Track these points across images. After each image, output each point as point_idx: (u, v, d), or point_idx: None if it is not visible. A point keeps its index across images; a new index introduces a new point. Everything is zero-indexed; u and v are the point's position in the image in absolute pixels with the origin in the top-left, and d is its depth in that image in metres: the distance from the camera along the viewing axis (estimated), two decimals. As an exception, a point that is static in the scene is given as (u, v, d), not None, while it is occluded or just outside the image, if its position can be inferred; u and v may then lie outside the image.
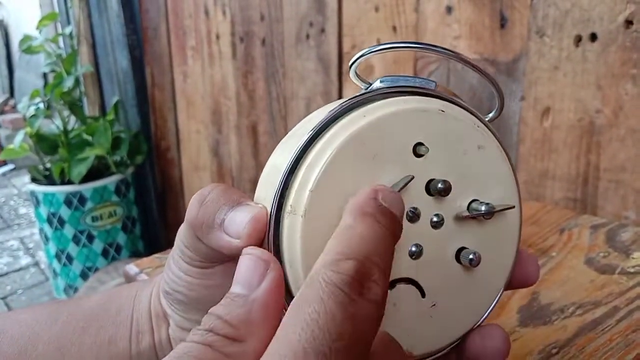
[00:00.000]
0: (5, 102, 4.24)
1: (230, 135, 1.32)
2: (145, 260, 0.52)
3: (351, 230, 0.20)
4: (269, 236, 0.25)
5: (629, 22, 0.58)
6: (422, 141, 0.25)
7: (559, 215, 0.60)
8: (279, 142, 0.29)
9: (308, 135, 0.24)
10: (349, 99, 0.25)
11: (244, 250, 0.22)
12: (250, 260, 0.22)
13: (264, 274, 0.21)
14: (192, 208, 0.26)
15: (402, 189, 0.24)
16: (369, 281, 0.19)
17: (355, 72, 0.28)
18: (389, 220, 0.21)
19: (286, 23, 1.04)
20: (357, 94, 0.26)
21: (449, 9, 0.75)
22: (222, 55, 1.26)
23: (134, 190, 1.82)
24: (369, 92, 0.26)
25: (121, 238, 1.77)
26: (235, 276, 0.22)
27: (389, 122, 0.24)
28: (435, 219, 0.25)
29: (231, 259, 0.27)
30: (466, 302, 0.26)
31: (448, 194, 0.25)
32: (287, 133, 0.28)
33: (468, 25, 0.73)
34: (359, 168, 0.24)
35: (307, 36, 1.00)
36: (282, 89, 1.10)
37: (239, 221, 0.24)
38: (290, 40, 1.05)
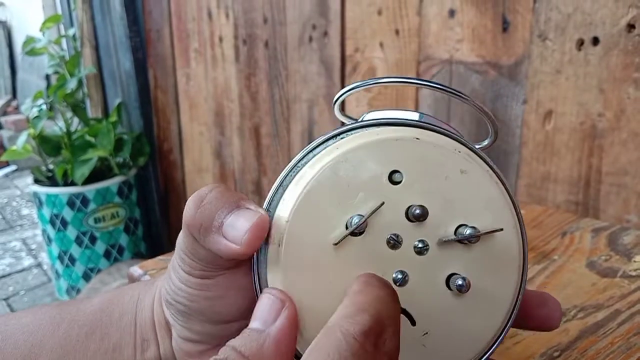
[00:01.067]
0: (8, 103, 4.25)
1: (233, 138, 1.32)
2: (150, 262, 0.52)
3: (361, 294, 0.22)
4: (253, 263, 0.26)
5: (631, 26, 0.58)
6: (397, 169, 0.25)
7: (561, 218, 0.61)
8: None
9: (286, 170, 0.26)
10: (328, 134, 0.27)
11: (265, 290, 0.24)
12: (268, 299, 0.23)
13: (280, 311, 0.23)
14: (190, 209, 0.26)
15: (371, 214, 0.25)
16: (383, 336, 0.20)
17: (340, 109, 0.29)
18: (391, 289, 0.23)
19: (289, 26, 1.05)
20: (335, 129, 0.27)
21: (451, 13, 0.75)
22: (225, 57, 1.27)
23: (137, 192, 1.83)
24: (346, 126, 0.27)
25: (123, 239, 1.78)
26: (254, 313, 0.23)
27: (361, 152, 0.25)
28: (419, 245, 0.25)
29: (230, 267, 0.27)
30: (463, 330, 0.26)
31: (425, 219, 0.25)
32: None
33: (470, 28, 0.74)
34: (333, 198, 0.25)
35: (310, 39, 1.01)
36: (285, 92, 1.10)
37: (240, 227, 0.25)
38: (293, 43, 1.05)
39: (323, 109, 1.02)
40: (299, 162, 0.26)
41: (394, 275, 0.25)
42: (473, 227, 0.25)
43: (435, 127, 0.27)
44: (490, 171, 0.26)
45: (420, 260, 0.25)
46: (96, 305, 0.31)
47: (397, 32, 0.84)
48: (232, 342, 0.22)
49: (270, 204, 0.26)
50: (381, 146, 0.25)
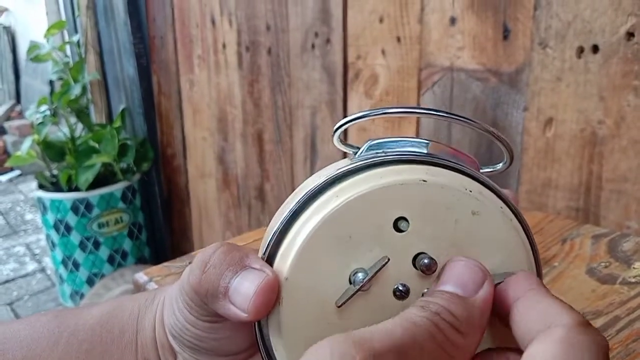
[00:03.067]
0: (12, 109, 4.27)
1: (236, 143, 1.33)
2: (154, 268, 0.52)
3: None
4: (255, 324, 0.25)
5: (630, 34, 0.59)
6: (403, 215, 0.24)
7: (561, 224, 0.61)
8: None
9: (283, 217, 0.24)
10: (327, 175, 0.25)
11: (455, 258, 0.23)
12: (466, 267, 0.22)
13: (482, 283, 0.22)
14: (195, 273, 0.26)
15: (376, 273, 0.23)
16: None
17: (339, 138, 0.27)
18: None
19: (292, 33, 1.06)
20: (337, 169, 0.25)
21: (452, 20, 0.76)
22: (228, 64, 1.28)
23: (140, 197, 1.84)
24: (346, 166, 0.25)
25: (127, 244, 1.79)
26: (446, 276, 0.22)
27: (362, 202, 0.23)
28: None
29: None
30: None
31: (434, 271, 0.24)
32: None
33: (471, 36, 0.74)
34: (334, 251, 0.23)
35: (313, 46, 1.01)
36: (288, 98, 1.11)
37: (245, 292, 0.24)
38: (296, 50, 1.06)
39: (325, 115, 1.03)
40: (297, 209, 0.25)
41: None
42: None
43: (444, 161, 0.25)
44: (504, 207, 0.25)
45: None
46: (95, 318, 0.30)
47: (398, 39, 0.85)
48: (436, 300, 0.21)
49: (267, 251, 0.25)
50: (384, 192, 0.23)
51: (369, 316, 0.24)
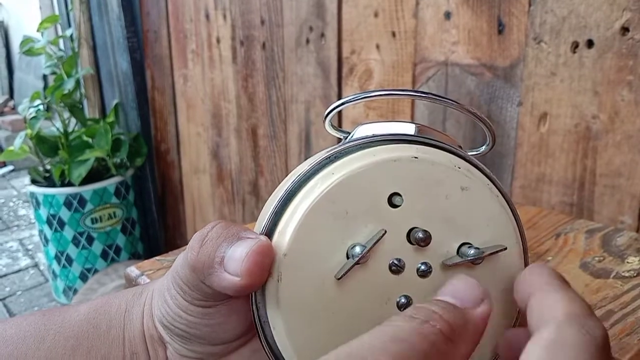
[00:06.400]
0: (5, 103, 4.24)
1: (230, 138, 1.33)
2: (146, 262, 0.52)
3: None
4: (252, 301, 0.25)
5: (625, 29, 0.59)
6: (397, 191, 0.24)
7: (555, 219, 0.61)
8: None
9: (279, 196, 0.25)
10: (321, 155, 0.25)
11: (455, 276, 0.22)
12: (467, 283, 0.22)
13: (482, 299, 0.22)
14: (193, 248, 0.26)
15: (374, 245, 0.24)
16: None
17: (330, 123, 0.28)
18: None
19: (286, 28, 1.05)
20: (329, 150, 0.26)
21: (447, 15, 0.76)
22: (223, 59, 1.27)
23: (134, 193, 1.83)
24: (340, 146, 0.25)
25: (120, 240, 1.78)
26: (447, 289, 0.22)
27: (358, 178, 0.24)
28: (422, 267, 0.25)
29: (234, 297, 0.26)
30: None
31: (428, 243, 0.24)
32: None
33: (466, 30, 0.74)
34: (331, 227, 0.24)
35: (307, 41, 1.01)
36: (282, 93, 1.11)
37: (238, 257, 0.24)
38: (290, 45, 1.05)
39: (320, 110, 1.02)
40: (293, 188, 0.25)
41: (397, 300, 0.25)
42: (477, 248, 0.24)
43: (433, 141, 0.26)
44: (491, 184, 0.25)
45: (424, 283, 0.25)
46: (82, 315, 0.30)
47: (393, 34, 0.84)
48: (431, 307, 0.20)
49: (264, 230, 0.25)
50: (379, 169, 0.24)
51: (366, 290, 0.24)
